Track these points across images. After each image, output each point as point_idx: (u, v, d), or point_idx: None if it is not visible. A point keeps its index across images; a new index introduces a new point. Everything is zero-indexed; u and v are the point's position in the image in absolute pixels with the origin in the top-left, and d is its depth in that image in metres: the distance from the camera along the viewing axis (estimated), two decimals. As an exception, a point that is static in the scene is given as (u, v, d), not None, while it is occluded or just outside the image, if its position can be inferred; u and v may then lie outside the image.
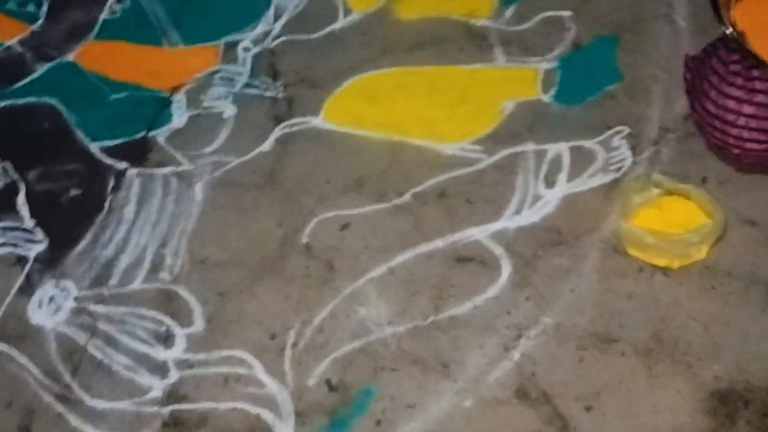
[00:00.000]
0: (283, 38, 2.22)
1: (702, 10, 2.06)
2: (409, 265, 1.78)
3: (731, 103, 1.75)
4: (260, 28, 2.24)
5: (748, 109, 1.74)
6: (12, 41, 2.26)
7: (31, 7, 2.34)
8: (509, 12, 2.20)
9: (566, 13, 2.18)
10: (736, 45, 1.70)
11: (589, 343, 1.64)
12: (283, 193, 1.92)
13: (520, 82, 2.06)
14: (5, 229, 1.92)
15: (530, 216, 1.83)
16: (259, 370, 1.68)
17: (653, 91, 2.01)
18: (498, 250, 1.78)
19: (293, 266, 1.81)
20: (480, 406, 1.59)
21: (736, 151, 1.79)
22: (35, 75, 2.19)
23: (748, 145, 1.77)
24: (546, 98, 2.03)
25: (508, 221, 1.82)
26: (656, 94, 2.00)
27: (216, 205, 1.92)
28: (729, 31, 1.71)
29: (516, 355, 1.64)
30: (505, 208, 1.84)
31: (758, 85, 1.72)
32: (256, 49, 2.20)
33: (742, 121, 1.74)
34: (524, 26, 2.17)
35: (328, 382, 1.65)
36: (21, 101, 2.15)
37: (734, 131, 1.76)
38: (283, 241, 1.84)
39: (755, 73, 1.71)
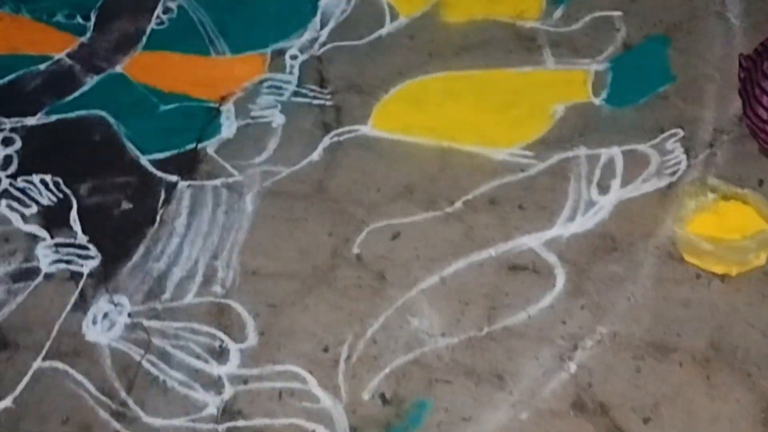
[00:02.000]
0: (329, 45, 2.21)
1: (756, 6, 2.04)
2: (462, 274, 1.77)
3: None
4: (307, 36, 2.23)
5: None
6: (61, 54, 2.27)
7: (78, 19, 2.34)
8: (558, 13, 2.18)
9: (616, 13, 2.15)
10: None
11: (646, 352, 1.62)
12: (333, 203, 1.91)
13: (571, 84, 2.04)
14: (59, 245, 1.93)
15: (584, 223, 1.81)
16: (313, 384, 1.67)
17: (707, 91, 1.98)
18: (551, 258, 1.76)
19: (344, 277, 1.80)
20: (536, 419, 1.57)
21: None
22: (85, 87, 2.20)
23: None
24: (597, 101, 2.00)
25: (562, 228, 1.81)
26: (710, 95, 1.98)
27: (266, 216, 1.91)
28: None
29: (572, 366, 1.63)
30: (557, 215, 1.82)
31: None
32: (303, 57, 2.19)
33: None
34: (573, 27, 2.15)
35: (382, 396, 1.64)
36: (72, 114, 2.15)
37: None
38: (333, 252, 1.84)
39: None
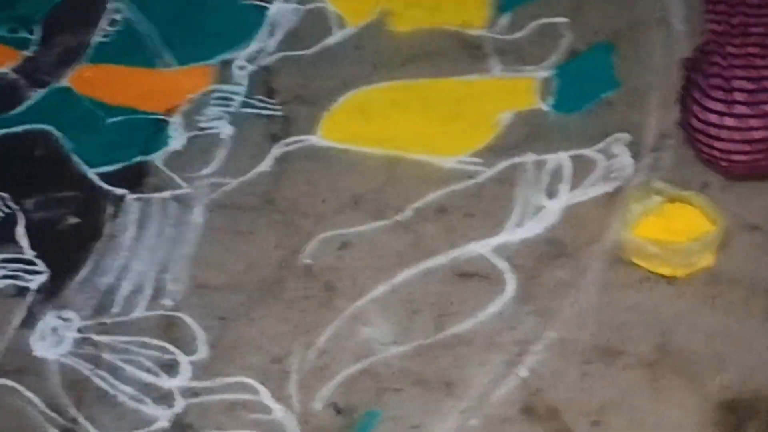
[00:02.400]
0: (277, 55, 2.21)
1: (698, 12, 2.06)
2: (411, 282, 1.77)
3: (713, 117, 1.74)
4: (255, 46, 2.23)
5: (729, 121, 1.74)
6: (5, 68, 2.25)
7: (23, 33, 2.32)
8: (503, 20, 2.19)
9: (561, 20, 2.17)
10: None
11: (593, 356, 1.63)
12: (280, 215, 1.91)
13: (517, 91, 2.06)
14: (6, 260, 1.91)
15: (532, 228, 1.82)
16: (264, 396, 1.67)
17: (651, 97, 2.01)
18: (501, 263, 1.77)
19: (292, 288, 1.80)
20: (486, 425, 1.58)
21: (724, 164, 1.79)
22: (30, 102, 2.18)
23: (735, 158, 1.77)
24: (543, 107, 2.02)
25: (511, 234, 1.82)
26: (654, 100, 2.00)
27: (214, 228, 1.91)
28: None
29: (521, 371, 1.63)
30: (506, 221, 1.83)
31: (738, 96, 1.71)
32: (251, 68, 2.19)
33: (725, 134, 1.74)
34: (519, 35, 2.16)
35: (334, 405, 1.64)
36: (16, 129, 2.13)
37: (719, 144, 1.75)
38: (281, 264, 1.84)
39: (735, 84, 1.71)
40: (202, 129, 2.09)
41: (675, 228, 1.77)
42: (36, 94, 2.20)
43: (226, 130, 2.08)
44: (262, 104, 2.12)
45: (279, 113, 2.10)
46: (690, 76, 1.84)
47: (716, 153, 1.77)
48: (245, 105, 2.13)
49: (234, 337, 1.75)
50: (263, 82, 2.17)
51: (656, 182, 1.83)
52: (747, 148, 1.75)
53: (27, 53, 2.28)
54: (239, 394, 1.68)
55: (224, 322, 1.77)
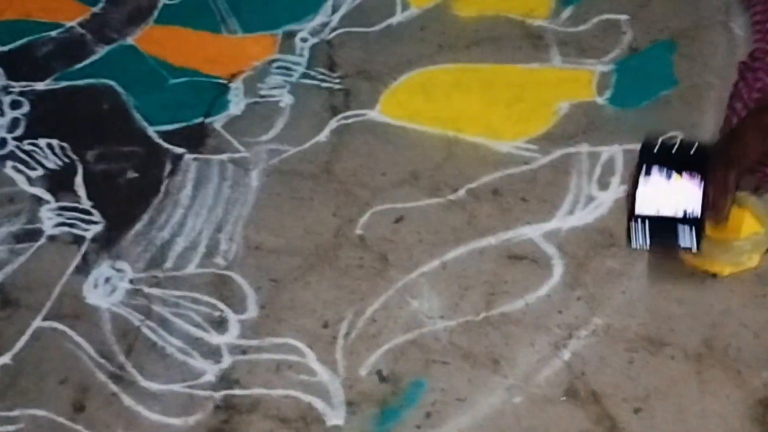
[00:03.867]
0: (340, 30, 2.24)
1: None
2: (462, 260, 1.80)
3: None
4: (318, 20, 2.26)
5: None
6: (73, 23, 2.29)
7: (91, -11, 2.37)
8: (566, 13, 2.21)
9: (623, 17, 2.18)
10: None
11: (639, 345, 1.65)
12: (338, 184, 1.94)
13: (576, 83, 2.08)
14: (63, 209, 1.95)
15: (583, 217, 1.84)
16: (311, 358, 1.70)
17: (708, 98, 2.02)
18: (550, 249, 1.80)
19: (347, 257, 1.83)
20: (529, 403, 1.60)
21: (760, 175, 1.80)
22: (95, 57, 2.22)
23: None
24: (601, 101, 2.04)
25: (561, 221, 1.84)
26: (711, 101, 2.01)
27: (272, 193, 1.94)
28: None
29: (566, 354, 1.66)
30: (558, 208, 1.85)
31: None
32: (313, 40, 2.22)
33: None
34: (581, 28, 2.18)
35: (379, 373, 1.67)
36: (81, 82, 2.18)
37: None
38: (337, 232, 1.86)
39: None
40: (263, 96, 2.12)
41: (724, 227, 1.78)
42: (102, 50, 2.23)
43: (286, 99, 2.11)
44: (322, 77, 2.15)
45: (339, 86, 2.12)
46: (737, 84, 1.85)
47: None
48: (306, 76, 2.15)
49: (285, 299, 1.78)
50: (325, 55, 2.19)
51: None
52: None
53: (95, 9, 2.31)
54: (286, 355, 1.71)
55: (276, 284, 1.80)
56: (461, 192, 1.90)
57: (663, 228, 1.56)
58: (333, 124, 2.05)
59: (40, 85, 2.18)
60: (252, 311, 1.77)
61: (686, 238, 1.56)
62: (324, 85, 2.13)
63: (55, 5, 2.34)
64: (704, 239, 1.66)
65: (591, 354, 1.65)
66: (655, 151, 1.60)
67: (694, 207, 1.55)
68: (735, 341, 1.63)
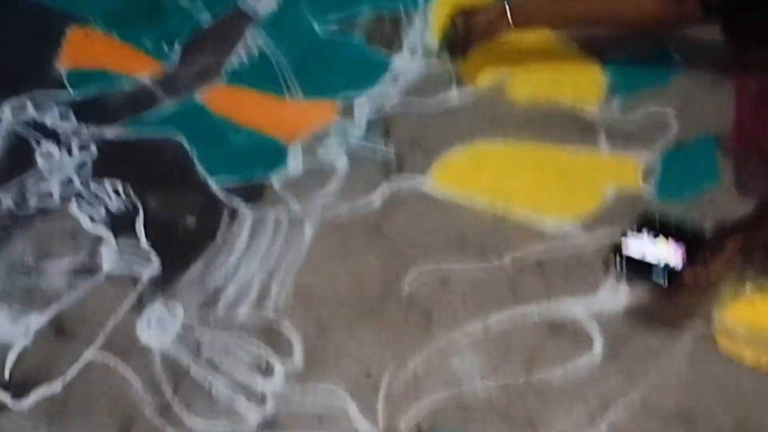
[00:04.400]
0: (398, 101, 2.33)
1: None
2: (504, 325, 1.86)
3: None
4: (377, 90, 2.35)
5: None
6: (145, 76, 2.40)
7: (164, 46, 2.48)
8: (615, 103, 2.29)
9: (670, 110, 2.26)
10: None
11: (672, 422, 1.69)
12: (388, 242, 2.01)
13: (622, 169, 2.14)
14: (122, 249, 2.03)
15: (626, 296, 1.89)
16: (353, 408, 1.75)
17: (750, 193, 2.07)
18: (591, 324, 1.85)
19: (393, 311, 1.89)
20: (565, 469, 1.65)
21: None
22: (164, 112, 2.32)
23: None
24: (645, 189, 2.10)
25: (604, 300, 1.89)
26: (752, 196, 2.06)
27: (324, 246, 2.01)
28: None
29: (602, 425, 1.70)
30: (601, 287, 1.91)
31: None
32: (372, 109, 2.31)
33: None
34: (629, 118, 2.25)
35: (418, 427, 1.71)
36: (148, 132, 2.27)
37: None
38: (384, 286, 1.93)
39: None
40: (320, 158, 2.20)
41: (761, 316, 1.83)
42: (170, 104, 2.33)
43: (342, 162, 2.19)
44: (378, 144, 2.23)
45: (393, 154, 2.20)
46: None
47: None
48: (362, 142, 2.24)
49: (330, 348, 1.84)
50: (382, 124, 2.28)
51: (749, 271, 1.89)
52: None
53: (167, 66, 2.42)
54: (329, 402, 1.76)
55: (323, 332, 1.86)
56: (506, 260, 1.96)
57: (641, 267, 1.74)
58: (386, 187, 2.12)
59: (108, 132, 2.27)
60: (298, 358, 1.83)
61: (659, 275, 1.72)
62: (379, 151, 2.21)
63: (129, 59, 2.44)
64: (745, 326, 1.73)
65: (626, 426, 1.69)
66: (649, 219, 1.79)
67: (675, 262, 1.72)
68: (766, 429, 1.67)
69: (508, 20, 2.15)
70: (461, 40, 2.24)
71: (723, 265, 1.75)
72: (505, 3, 2.15)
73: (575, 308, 1.88)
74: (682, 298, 1.82)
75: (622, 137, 2.22)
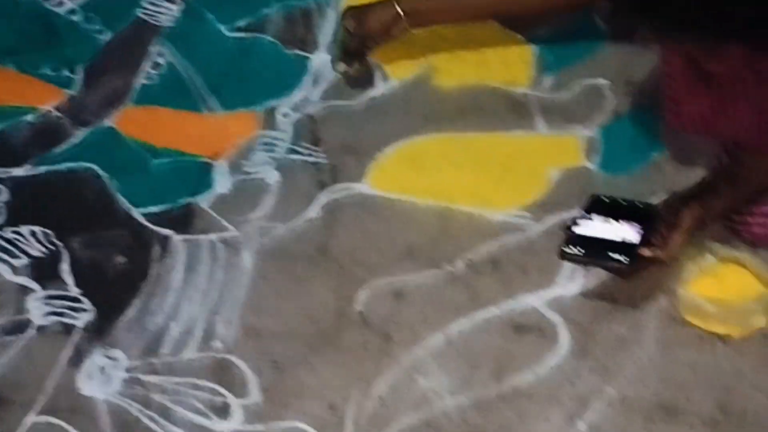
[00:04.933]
0: (322, 104, 2.22)
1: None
2: (467, 334, 1.78)
3: None
4: (299, 94, 2.24)
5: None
6: (49, 106, 2.24)
7: (65, 72, 2.32)
8: (547, 80, 2.22)
9: (604, 82, 2.19)
10: None
11: (656, 415, 1.64)
12: (334, 263, 1.90)
13: (564, 149, 2.08)
14: (51, 297, 1.89)
15: (585, 283, 1.83)
16: (320, 444, 1.65)
17: (698, 159, 2.03)
18: (555, 317, 1.78)
19: (349, 338, 1.79)
20: (549, 481, 1.58)
21: (747, 236, 1.81)
22: (74, 140, 2.17)
23: (756, 230, 1.79)
24: (591, 166, 2.04)
25: (563, 288, 1.82)
26: (701, 163, 2.02)
27: (267, 275, 1.90)
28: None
29: (583, 427, 1.63)
30: (558, 275, 1.84)
31: None
32: (296, 116, 2.20)
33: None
34: (563, 94, 2.18)
35: (392, 456, 1.62)
36: (61, 166, 2.12)
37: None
38: (337, 313, 1.83)
39: None
40: (248, 174, 2.09)
41: (728, 288, 1.79)
42: (80, 133, 2.18)
43: (272, 175, 2.08)
44: (307, 152, 2.12)
45: (325, 161, 2.09)
46: None
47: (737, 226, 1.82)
48: (291, 152, 2.13)
49: (289, 382, 1.74)
50: (309, 130, 2.17)
51: (709, 242, 1.84)
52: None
53: (71, 92, 2.27)
54: (294, 441, 1.66)
55: (278, 366, 1.76)
56: (459, 264, 1.88)
57: (597, 247, 1.67)
58: (323, 199, 2.02)
59: (18, 171, 2.12)
60: (255, 396, 1.73)
61: (618, 252, 1.66)
62: (310, 160, 2.10)
63: (29, 90, 2.28)
64: (708, 301, 1.68)
65: (608, 426, 1.63)
66: (597, 202, 1.74)
67: (633, 238, 1.67)
68: (751, 406, 1.62)
69: (403, 22, 2.03)
70: (355, 45, 2.11)
71: (681, 238, 1.68)
72: (395, 4, 2.02)
73: (536, 303, 1.81)
74: (642, 276, 1.74)
75: (559, 115, 2.16)
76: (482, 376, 1.71)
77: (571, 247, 1.69)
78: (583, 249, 1.69)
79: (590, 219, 1.73)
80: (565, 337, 1.76)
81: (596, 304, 1.80)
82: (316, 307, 1.83)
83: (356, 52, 2.14)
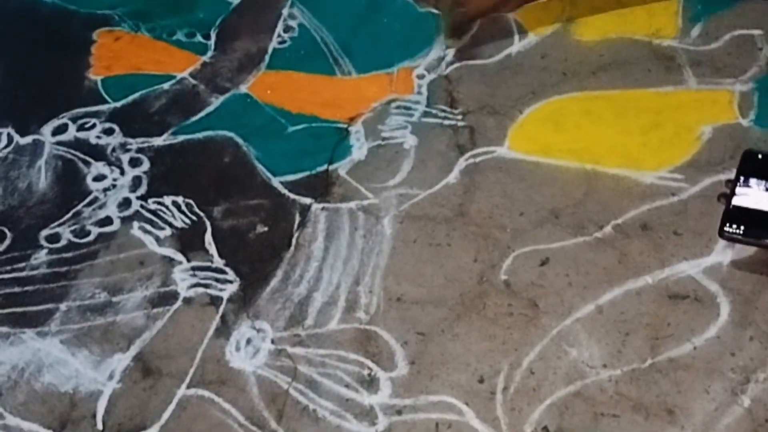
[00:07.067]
0: (457, 64, 2.16)
1: None
2: (618, 302, 1.71)
3: None
4: (433, 54, 2.18)
5: None
6: (184, 73, 2.24)
7: (198, 38, 2.31)
8: (695, 31, 2.11)
9: (757, 32, 2.07)
10: None
11: (825, 389, 1.55)
12: (475, 227, 1.86)
13: (716, 105, 1.97)
14: (196, 268, 1.90)
15: (744, 249, 1.73)
16: (470, 416, 1.62)
17: None
18: (713, 286, 1.70)
19: (494, 304, 1.75)
20: (712, 456, 1.51)
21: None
22: (210, 108, 2.17)
23: None
24: (745, 122, 1.93)
25: (721, 255, 1.74)
26: None
27: (407, 240, 1.87)
28: None
29: (746, 400, 1.56)
30: (716, 241, 1.75)
31: None
32: (430, 76, 2.14)
33: None
34: (713, 46, 2.07)
35: (545, 429, 1.58)
36: (199, 135, 2.12)
37: None
38: (480, 278, 1.78)
39: None
40: (385, 139, 2.05)
41: None
42: (216, 100, 2.17)
43: (409, 140, 2.03)
44: (444, 114, 2.07)
45: (463, 123, 2.04)
46: None
47: None
48: (427, 115, 2.08)
49: (435, 353, 1.71)
50: (445, 91, 2.11)
51: None
52: None
53: (205, 58, 2.26)
54: (444, 414, 1.63)
55: (424, 337, 1.73)
56: (608, 229, 1.81)
57: (759, 220, 1.59)
58: (461, 163, 1.97)
59: (157, 140, 2.12)
60: (402, 368, 1.70)
61: None
62: (447, 122, 2.05)
63: (164, 57, 2.29)
64: None
65: (773, 400, 1.55)
66: (757, 162, 1.64)
67: None
68: None
69: None
70: (462, 19, 2.06)
71: None
72: None
73: (691, 270, 1.72)
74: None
75: (709, 68, 2.05)
76: (636, 348, 1.64)
77: (730, 225, 1.60)
78: (743, 226, 1.59)
79: (749, 186, 1.63)
80: (724, 307, 1.67)
81: (757, 269, 1.71)
82: (459, 273, 1.79)
83: (462, 26, 2.05)
